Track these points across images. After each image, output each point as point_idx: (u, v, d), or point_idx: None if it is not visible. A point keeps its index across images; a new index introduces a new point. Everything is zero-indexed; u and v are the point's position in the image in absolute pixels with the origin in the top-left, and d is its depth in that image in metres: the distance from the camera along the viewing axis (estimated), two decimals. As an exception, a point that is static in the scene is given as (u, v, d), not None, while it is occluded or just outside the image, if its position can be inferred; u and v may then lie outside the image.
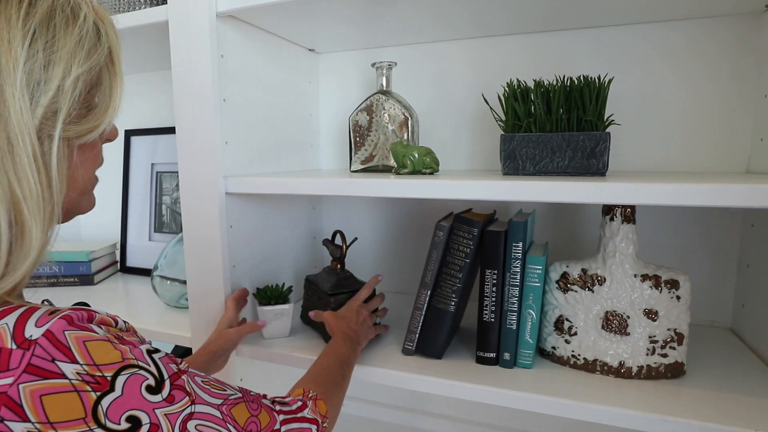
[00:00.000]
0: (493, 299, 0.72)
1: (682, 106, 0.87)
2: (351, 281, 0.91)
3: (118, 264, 1.36)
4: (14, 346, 0.35)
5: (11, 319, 0.36)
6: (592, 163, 0.73)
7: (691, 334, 0.85)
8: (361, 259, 1.14)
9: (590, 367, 0.71)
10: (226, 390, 0.46)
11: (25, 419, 0.33)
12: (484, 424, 1.09)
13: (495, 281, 0.72)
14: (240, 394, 0.47)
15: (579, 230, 0.96)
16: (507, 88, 0.78)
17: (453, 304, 0.74)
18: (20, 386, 0.34)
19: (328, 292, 0.87)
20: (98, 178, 0.53)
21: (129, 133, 1.35)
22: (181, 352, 0.96)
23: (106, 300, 1.10)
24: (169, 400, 0.39)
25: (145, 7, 0.90)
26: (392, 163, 0.91)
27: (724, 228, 0.88)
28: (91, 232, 1.50)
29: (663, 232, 0.91)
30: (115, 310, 1.02)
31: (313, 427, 0.53)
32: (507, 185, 0.63)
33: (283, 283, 0.90)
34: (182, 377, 0.41)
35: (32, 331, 0.35)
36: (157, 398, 0.38)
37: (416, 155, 0.81)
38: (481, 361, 0.74)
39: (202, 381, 0.44)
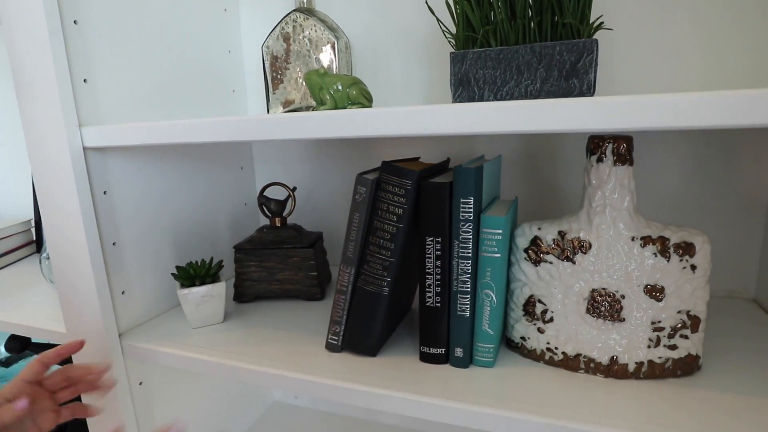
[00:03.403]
0: (438, 277, 0.53)
1: (695, 6, 0.65)
2: (310, 234, 0.81)
3: (35, 245, 1.17)
4: None
5: None
6: (573, 84, 0.52)
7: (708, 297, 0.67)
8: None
9: (571, 363, 0.52)
10: None
11: None
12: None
13: (438, 252, 0.52)
14: None
15: (560, 179, 0.76)
16: (456, -13, 0.56)
17: (386, 284, 0.54)
18: None
19: (306, 244, 0.75)
20: None
21: (32, 90, 1.13)
22: (18, 345, 0.82)
23: (1, 289, 0.91)
24: None
25: None
26: (318, 103, 0.70)
27: (749, 171, 0.67)
28: (8, 208, 1.31)
29: (668, 177, 0.70)
30: (1, 302, 0.85)
31: None
32: (440, 112, 0.43)
33: (212, 258, 0.71)
34: None
35: None
36: None
37: (339, 87, 0.60)
38: (426, 358, 0.56)
39: None
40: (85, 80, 0.61)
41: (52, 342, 0.78)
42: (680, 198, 0.70)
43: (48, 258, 0.82)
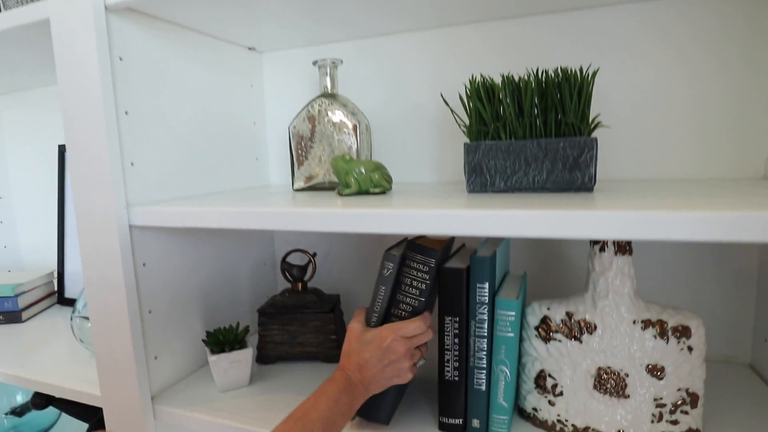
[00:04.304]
0: (456, 353, 0.57)
1: (684, 101, 0.72)
2: (329, 297, 0.85)
3: (57, 295, 1.21)
4: None
5: None
6: (575, 176, 0.58)
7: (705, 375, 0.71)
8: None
9: (580, 436, 0.56)
10: None
11: None
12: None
13: (456, 331, 0.57)
14: None
15: (566, 255, 0.81)
16: (469, 86, 0.63)
17: None
18: None
19: (326, 309, 0.80)
20: None
21: (63, 149, 1.20)
22: (43, 402, 0.86)
23: (27, 343, 0.95)
24: None
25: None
26: (341, 179, 0.76)
27: (739, 248, 0.73)
28: (32, 257, 1.36)
29: (666, 254, 0.76)
30: (28, 358, 0.89)
31: None
32: (464, 217, 0.48)
33: (238, 323, 0.75)
34: None
35: None
36: None
37: (362, 171, 0.66)
38: (444, 428, 0.59)
39: None
40: (132, 163, 0.67)
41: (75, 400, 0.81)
42: (676, 271, 0.75)
43: (80, 317, 0.87)
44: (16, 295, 1.08)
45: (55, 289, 1.22)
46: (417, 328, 0.57)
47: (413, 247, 0.59)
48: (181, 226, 0.63)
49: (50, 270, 1.22)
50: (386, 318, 0.60)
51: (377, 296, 0.61)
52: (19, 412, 1.21)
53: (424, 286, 0.58)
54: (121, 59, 0.65)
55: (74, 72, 0.63)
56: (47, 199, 1.28)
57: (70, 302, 1.18)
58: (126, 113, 0.66)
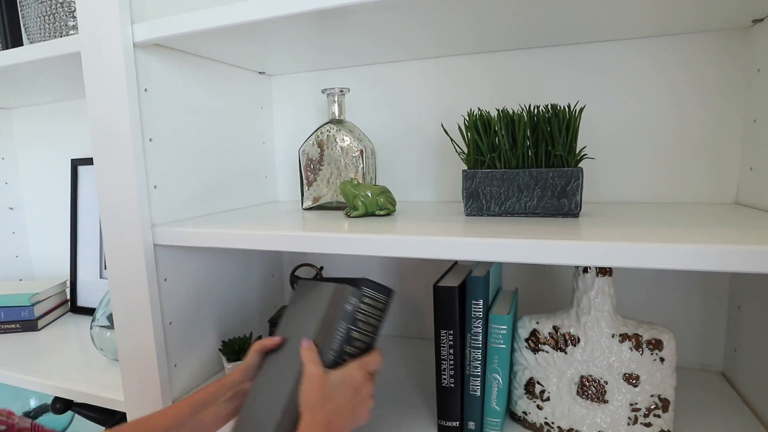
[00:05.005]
0: (451, 363, 0.63)
1: (664, 132, 0.79)
2: None
3: (69, 304, 1.26)
4: None
5: None
6: (563, 203, 0.64)
7: (681, 380, 0.77)
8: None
9: (565, 437, 0.63)
10: None
11: None
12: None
13: (452, 342, 0.63)
14: None
15: (554, 273, 0.88)
16: (467, 118, 0.70)
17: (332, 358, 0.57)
18: None
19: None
20: None
21: (76, 163, 1.25)
22: (62, 406, 0.90)
23: (45, 350, 1.00)
24: None
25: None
26: (347, 200, 0.82)
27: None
28: (42, 266, 1.40)
29: (647, 272, 0.83)
30: (47, 364, 0.94)
31: None
32: (461, 244, 0.54)
33: (251, 333, 0.81)
34: None
35: None
36: None
37: (369, 195, 0.72)
38: (443, 430, 0.66)
39: None
40: (155, 186, 0.73)
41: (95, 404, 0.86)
42: (655, 284, 0.82)
43: (99, 326, 0.92)
44: (32, 305, 1.13)
45: (68, 297, 1.27)
46: (379, 362, 0.57)
47: (369, 284, 0.58)
48: (202, 246, 0.68)
49: (62, 279, 1.27)
50: (340, 356, 0.56)
51: (335, 333, 0.56)
52: (32, 415, 1.26)
53: (378, 323, 0.59)
54: (146, 90, 0.71)
55: (104, 103, 0.69)
56: (58, 210, 1.33)
57: (83, 310, 1.23)
58: (150, 140, 0.72)
